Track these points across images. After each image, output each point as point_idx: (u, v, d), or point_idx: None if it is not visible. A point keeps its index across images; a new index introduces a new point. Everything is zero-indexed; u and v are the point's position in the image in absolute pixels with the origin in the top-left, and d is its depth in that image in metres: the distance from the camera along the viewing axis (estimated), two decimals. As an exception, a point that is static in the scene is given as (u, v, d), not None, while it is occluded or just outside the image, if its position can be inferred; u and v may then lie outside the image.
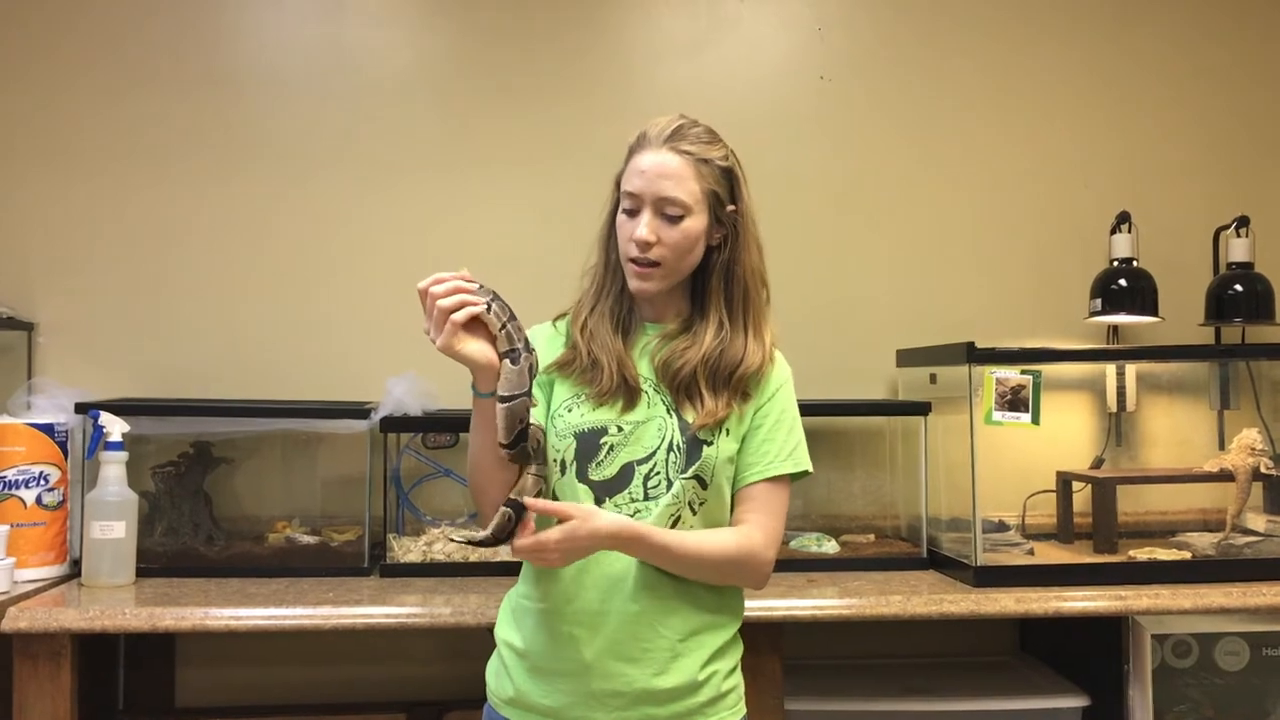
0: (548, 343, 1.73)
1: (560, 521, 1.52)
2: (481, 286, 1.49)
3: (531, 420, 1.58)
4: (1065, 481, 2.62)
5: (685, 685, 1.60)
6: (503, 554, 2.42)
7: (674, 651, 1.60)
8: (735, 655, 1.69)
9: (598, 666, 1.59)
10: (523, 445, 1.53)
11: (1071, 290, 2.81)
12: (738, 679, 1.69)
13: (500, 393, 1.49)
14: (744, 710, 1.69)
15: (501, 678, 1.68)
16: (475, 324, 1.49)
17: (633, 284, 1.67)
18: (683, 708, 1.60)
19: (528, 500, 1.54)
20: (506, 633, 1.70)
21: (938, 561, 2.45)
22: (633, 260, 1.65)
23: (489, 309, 1.49)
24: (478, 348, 1.49)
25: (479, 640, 2.39)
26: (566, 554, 1.53)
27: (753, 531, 1.65)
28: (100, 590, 2.21)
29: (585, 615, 1.61)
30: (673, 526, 1.62)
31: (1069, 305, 2.82)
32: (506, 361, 1.50)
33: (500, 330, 1.50)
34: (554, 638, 1.62)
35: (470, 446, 1.60)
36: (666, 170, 1.62)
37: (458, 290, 1.47)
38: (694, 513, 1.64)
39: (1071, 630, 2.38)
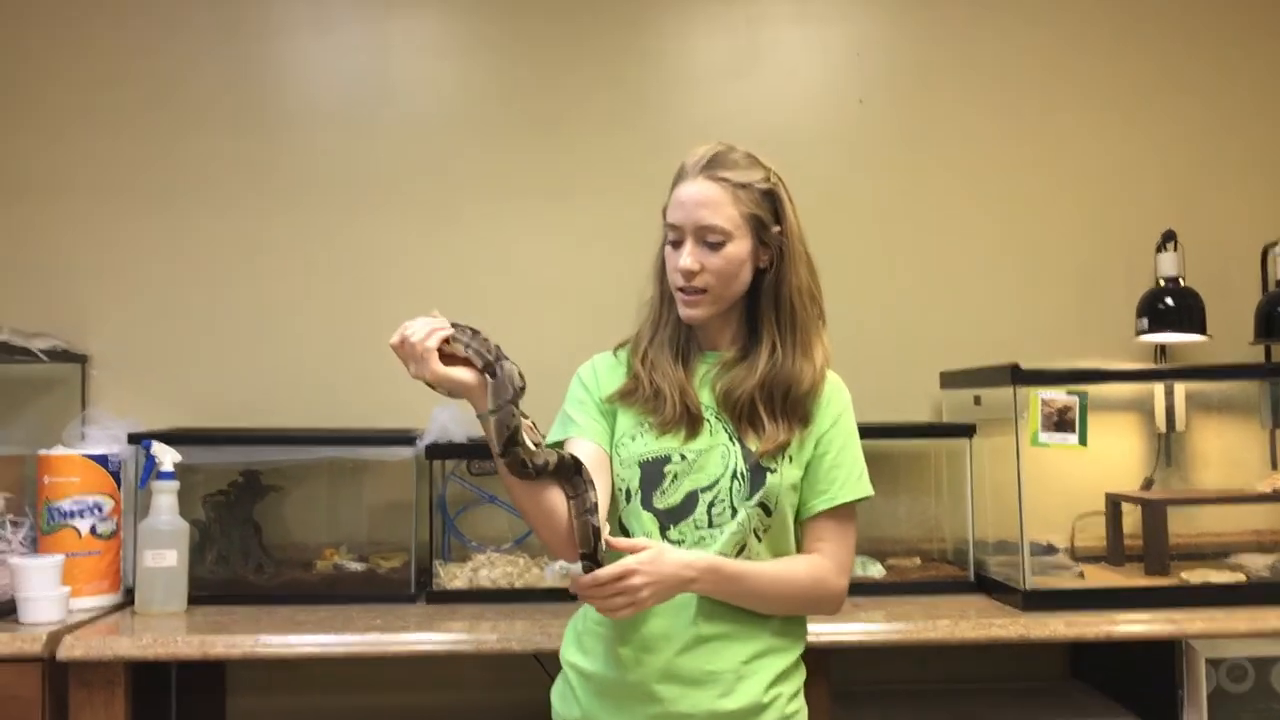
0: (609, 371, 1.75)
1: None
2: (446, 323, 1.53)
3: (553, 448, 1.59)
4: (1115, 503, 2.59)
5: (750, 707, 1.61)
6: (549, 580, 2.43)
7: (739, 674, 1.61)
8: (799, 679, 1.69)
9: (664, 689, 1.60)
10: (514, 452, 1.52)
11: (1117, 310, 2.79)
12: (801, 703, 1.69)
13: (488, 407, 1.51)
14: None
15: (568, 700, 1.69)
16: (458, 359, 1.52)
17: (682, 312, 1.69)
18: None
19: (609, 540, 1.55)
20: (573, 656, 1.71)
21: (985, 585, 2.43)
22: (680, 289, 1.67)
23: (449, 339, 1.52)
24: (459, 371, 1.51)
25: (526, 667, 2.40)
26: (654, 584, 1.52)
27: (824, 562, 1.67)
28: (153, 618, 2.24)
29: (651, 639, 1.61)
30: (739, 554, 1.63)
31: (1115, 325, 2.79)
32: (487, 376, 1.51)
33: (466, 351, 1.52)
34: (621, 661, 1.62)
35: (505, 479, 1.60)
36: (703, 199, 1.64)
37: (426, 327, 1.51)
38: (759, 540, 1.65)
39: (1124, 654, 2.35)
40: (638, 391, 1.69)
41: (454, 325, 1.53)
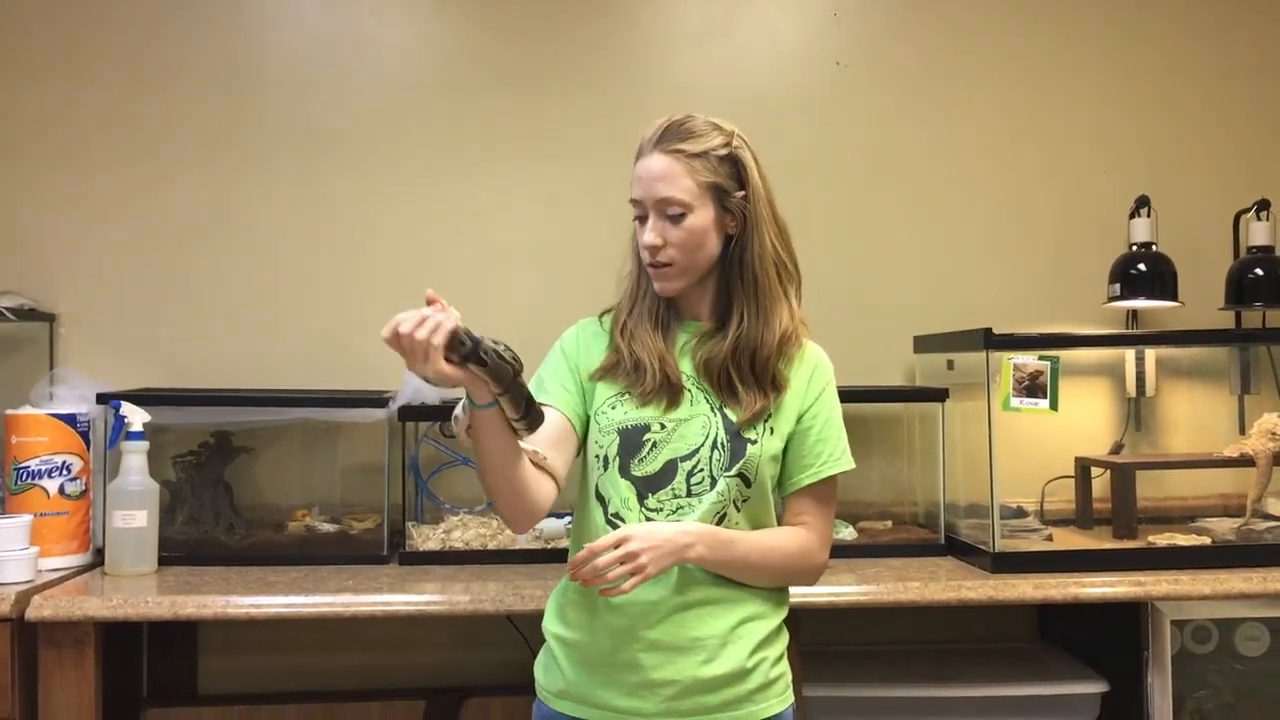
0: (593, 339, 1.74)
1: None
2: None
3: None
4: (1084, 467, 2.61)
5: (734, 672, 1.62)
6: (521, 542, 2.44)
7: (723, 640, 1.62)
8: (782, 643, 1.71)
9: (648, 657, 1.61)
10: (535, 414, 1.51)
11: (1090, 275, 2.79)
12: (785, 667, 1.70)
13: (496, 391, 1.45)
14: (792, 698, 1.71)
15: (552, 671, 1.69)
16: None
17: (656, 287, 1.69)
18: (733, 695, 1.62)
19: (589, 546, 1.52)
20: (555, 626, 1.71)
21: (955, 548, 2.45)
22: (650, 265, 1.67)
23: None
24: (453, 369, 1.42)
25: (498, 627, 2.41)
26: (653, 549, 1.53)
27: (809, 535, 1.68)
28: (123, 579, 2.23)
29: (634, 607, 1.61)
30: (718, 523, 1.64)
31: (1087, 290, 2.80)
32: (473, 367, 1.42)
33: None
34: (604, 630, 1.63)
35: (483, 460, 1.53)
36: (657, 173, 1.63)
37: (422, 320, 1.40)
38: (738, 510, 1.65)
39: (1090, 616, 2.38)
40: (619, 365, 1.68)
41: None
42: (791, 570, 1.69)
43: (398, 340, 1.39)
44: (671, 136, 1.64)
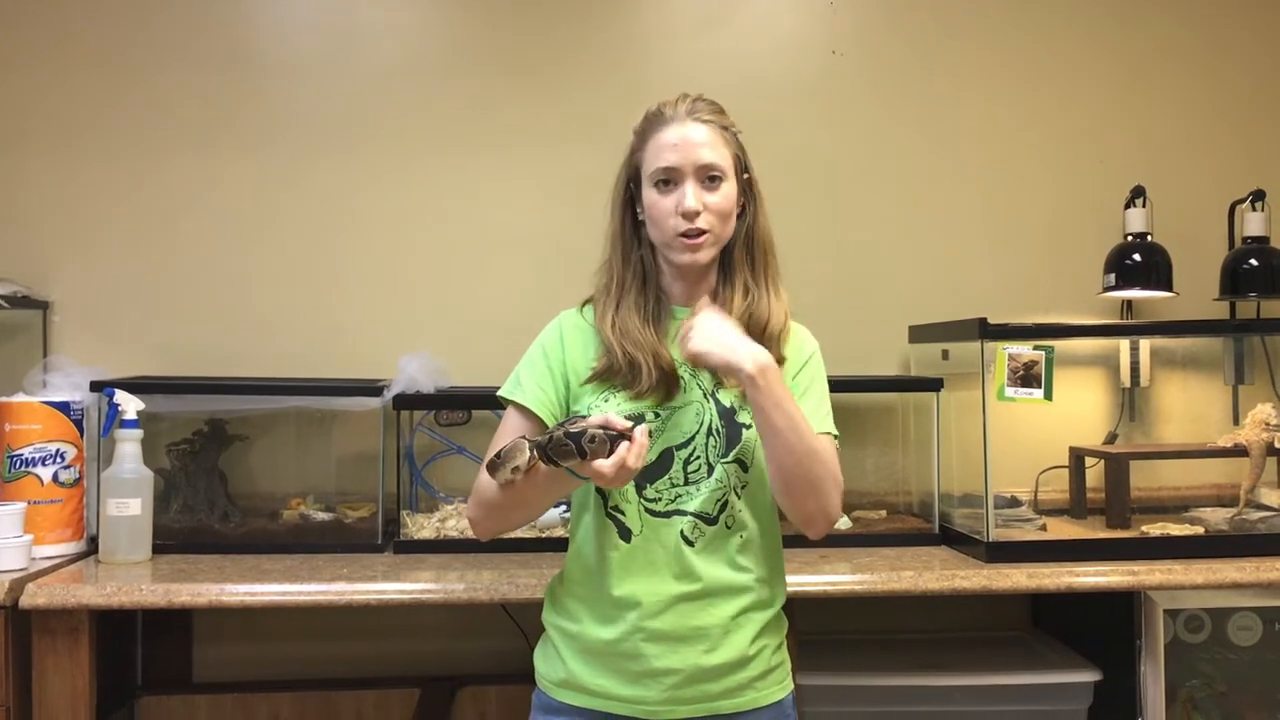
0: (575, 333, 1.73)
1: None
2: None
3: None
4: (1078, 457, 2.62)
5: (736, 660, 1.63)
6: (518, 532, 2.44)
7: (725, 629, 1.63)
8: (781, 631, 1.72)
9: (650, 647, 1.61)
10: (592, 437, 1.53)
11: (1085, 265, 2.80)
12: (785, 654, 1.72)
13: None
14: (792, 685, 1.72)
15: (552, 661, 1.70)
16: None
17: (684, 259, 1.66)
18: (735, 682, 1.63)
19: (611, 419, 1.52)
20: (554, 616, 1.71)
21: (950, 537, 2.45)
22: (682, 235, 1.65)
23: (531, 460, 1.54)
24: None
25: (492, 616, 2.41)
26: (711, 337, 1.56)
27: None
28: (117, 567, 2.23)
29: (634, 598, 1.62)
30: (721, 510, 1.64)
31: (1083, 280, 2.80)
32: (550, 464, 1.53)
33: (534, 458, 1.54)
34: (604, 620, 1.64)
35: (517, 497, 1.60)
36: (700, 139, 1.65)
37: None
38: (739, 497, 1.65)
39: (1084, 606, 2.38)
40: (613, 367, 1.66)
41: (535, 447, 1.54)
42: (822, 477, 1.58)
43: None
44: (701, 108, 1.67)
